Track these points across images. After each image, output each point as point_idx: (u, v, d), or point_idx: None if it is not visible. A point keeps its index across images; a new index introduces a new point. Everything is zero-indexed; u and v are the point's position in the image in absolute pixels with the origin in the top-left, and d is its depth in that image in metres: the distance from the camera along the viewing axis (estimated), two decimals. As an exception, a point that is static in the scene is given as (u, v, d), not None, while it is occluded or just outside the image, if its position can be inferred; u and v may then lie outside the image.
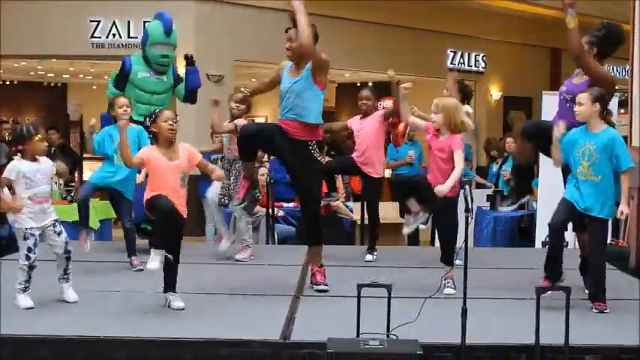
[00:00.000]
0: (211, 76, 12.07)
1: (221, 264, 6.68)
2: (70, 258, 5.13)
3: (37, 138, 4.95)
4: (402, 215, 8.66)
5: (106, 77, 14.63)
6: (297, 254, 6.55)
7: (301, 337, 4.43)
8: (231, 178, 6.67)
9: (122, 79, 6.95)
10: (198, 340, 4.37)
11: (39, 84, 17.61)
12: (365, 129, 6.82)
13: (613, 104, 6.21)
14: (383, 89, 9.75)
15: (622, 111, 10.00)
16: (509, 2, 15.37)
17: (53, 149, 9.72)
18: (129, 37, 12.21)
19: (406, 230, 5.94)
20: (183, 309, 5.00)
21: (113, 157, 6.26)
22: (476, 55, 16.51)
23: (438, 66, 15.71)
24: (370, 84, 15.20)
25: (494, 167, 10.72)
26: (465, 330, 4.05)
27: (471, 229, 8.41)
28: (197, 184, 7.92)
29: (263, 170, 8.61)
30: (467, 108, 6.35)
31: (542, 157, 6.22)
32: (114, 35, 12.29)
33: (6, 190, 5.01)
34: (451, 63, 16.02)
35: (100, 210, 8.80)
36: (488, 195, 9.86)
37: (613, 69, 15.00)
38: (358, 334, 4.15)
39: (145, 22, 11.53)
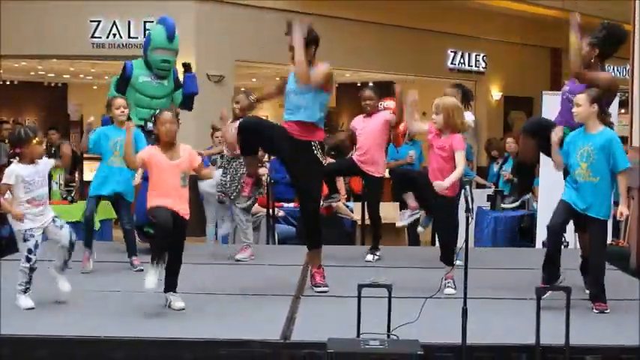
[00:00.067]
0: (212, 76, 12.06)
1: (221, 264, 6.67)
2: (73, 249, 5.10)
3: (35, 141, 4.94)
4: (401, 209, 8.65)
5: (106, 77, 14.65)
6: (298, 254, 6.54)
7: (301, 337, 4.42)
8: (228, 177, 6.69)
9: (123, 84, 6.98)
10: (198, 340, 4.37)
11: (39, 84, 17.63)
12: (368, 128, 6.81)
13: (614, 105, 6.20)
14: (383, 89, 9.74)
15: (622, 111, 10.00)
16: (509, 2, 15.35)
17: (54, 149, 9.72)
18: (129, 37, 12.21)
19: (399, 224, 6.03)
20: (183, 309, 5.00)
21: (107, 157, 6.26)
22: (476, 55, 16.50)
23: (438, 66, 15.74)
24: (371, 84, 15.21)
25: (495, 167, 10.71)
26: (466, 330, 4.05)
27: (472, 229, 8.39)
28: (197, 184, 7.91)
29: (263, 170, 8.58)
30: (468, 114, 6.32)
31: (542, 157, 6.20)
32: (114, 35, 12.28)
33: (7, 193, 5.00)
34: (451, 63, 16.03)
35: (100, 210, 8.77)
36: (488, 195, 9.85)
37: (613, 69, 15.00)
38: (359, 334, 4.14)
39: (145, 22, 11.69)
